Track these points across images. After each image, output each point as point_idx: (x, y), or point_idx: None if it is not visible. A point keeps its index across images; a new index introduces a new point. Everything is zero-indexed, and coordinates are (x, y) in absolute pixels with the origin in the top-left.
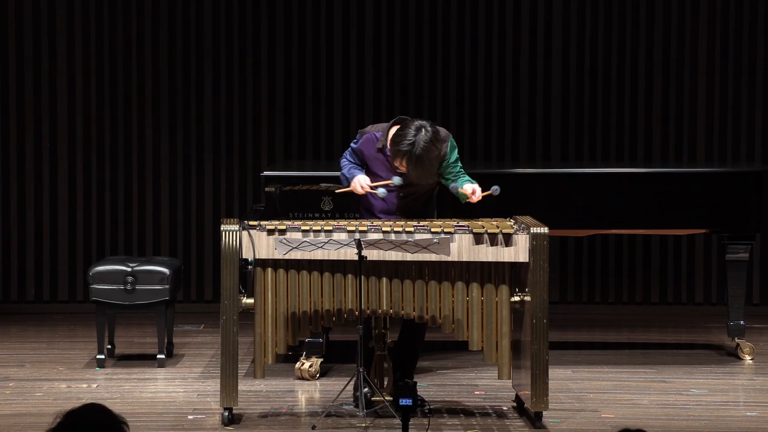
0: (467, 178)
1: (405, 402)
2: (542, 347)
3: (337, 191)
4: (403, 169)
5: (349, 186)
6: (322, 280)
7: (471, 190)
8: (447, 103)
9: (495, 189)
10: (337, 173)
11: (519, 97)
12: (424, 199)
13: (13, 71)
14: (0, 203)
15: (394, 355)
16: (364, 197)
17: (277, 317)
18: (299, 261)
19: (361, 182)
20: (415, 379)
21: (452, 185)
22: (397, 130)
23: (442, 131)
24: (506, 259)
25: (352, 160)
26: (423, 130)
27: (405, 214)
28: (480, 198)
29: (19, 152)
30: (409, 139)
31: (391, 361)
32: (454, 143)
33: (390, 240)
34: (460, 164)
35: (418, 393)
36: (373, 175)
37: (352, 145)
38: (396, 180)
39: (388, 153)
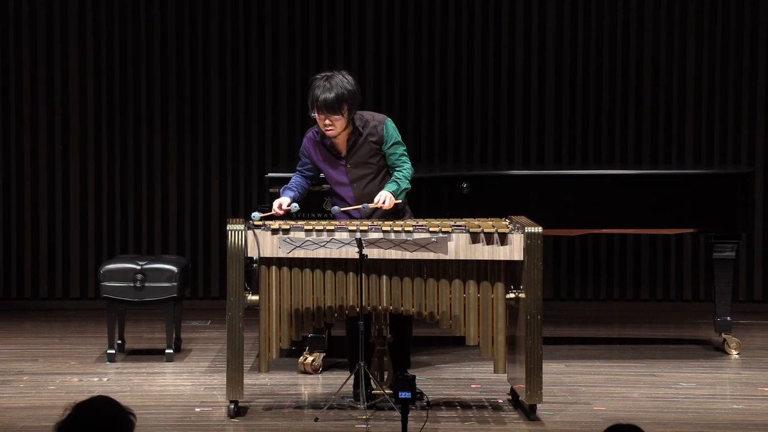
0: (399, 175)
1: (404, 395)
2: (536, 342)
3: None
4: (321, 121)
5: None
6: (324, 277)
7: (378, 198)
8: (444, 107)
9: (365, 206)
10: None
11: (514, 101)
12: (378, 184)
13: (27, 76)
14: (15, 204)
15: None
16: (335, 200)
17: (281, 313)
18: (302, 259)
19: (279, 201)
20: (414, 373)
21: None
22: None
23: (381, 115)
24: (502, 258)
25: (300, 171)
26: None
27: (361, 200)
28: (390, 205)
29: (32, 155)
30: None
31: (391, 357)
32: (393, 127)
33: (390, 239)
34: (401, 150)
35: (417, 386)
36: (325, 172)
37: (300, 153)
38: (293, 207)
39: (327, 142)
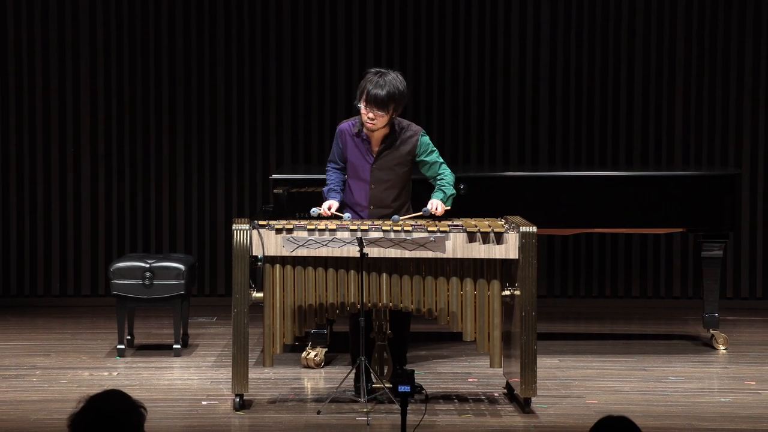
0: (443, 182)
1: (403, 389)
2: (531, 338)
3: (313, 215)
4: (365, 114)
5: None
6: (326, 275)
7: (430, 204)
8: (442, 110)
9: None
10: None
11: (509, 104)
12: (396, 192)
13: (40, 81)
14: (28, 204)
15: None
16: (347, 193)
17: (284, 310)
18: (305, 258)
19: (330, 203)
20: (412, 368)
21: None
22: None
23: (418, 126)
24: (497, 256)
25: (335, 161)
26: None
27: (374, 203)
28: (442, 212)
29: (45, 156)
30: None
31: (390, 352)
32: (428, 140)
33: (389, 238)
34: (438, 157)
35: (416, 380)
36: (350, 165)
37: (333, 145)
38: (346, 216)
39: (364, 136)
